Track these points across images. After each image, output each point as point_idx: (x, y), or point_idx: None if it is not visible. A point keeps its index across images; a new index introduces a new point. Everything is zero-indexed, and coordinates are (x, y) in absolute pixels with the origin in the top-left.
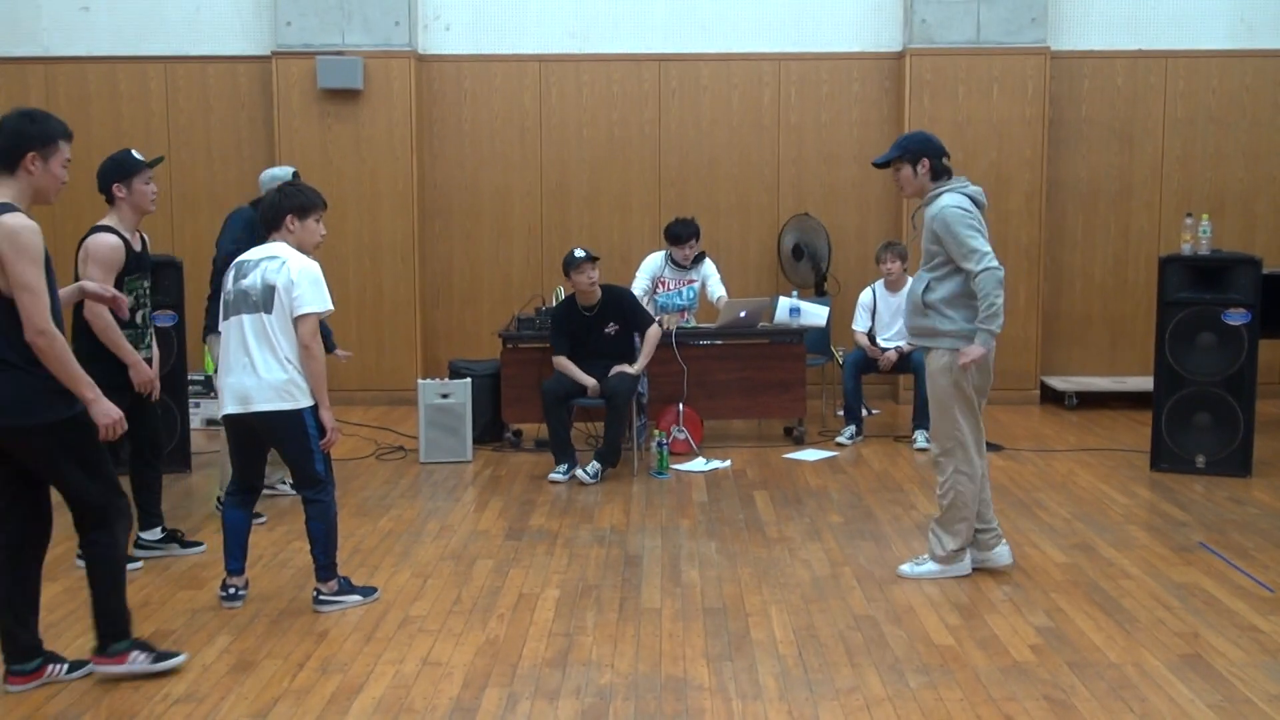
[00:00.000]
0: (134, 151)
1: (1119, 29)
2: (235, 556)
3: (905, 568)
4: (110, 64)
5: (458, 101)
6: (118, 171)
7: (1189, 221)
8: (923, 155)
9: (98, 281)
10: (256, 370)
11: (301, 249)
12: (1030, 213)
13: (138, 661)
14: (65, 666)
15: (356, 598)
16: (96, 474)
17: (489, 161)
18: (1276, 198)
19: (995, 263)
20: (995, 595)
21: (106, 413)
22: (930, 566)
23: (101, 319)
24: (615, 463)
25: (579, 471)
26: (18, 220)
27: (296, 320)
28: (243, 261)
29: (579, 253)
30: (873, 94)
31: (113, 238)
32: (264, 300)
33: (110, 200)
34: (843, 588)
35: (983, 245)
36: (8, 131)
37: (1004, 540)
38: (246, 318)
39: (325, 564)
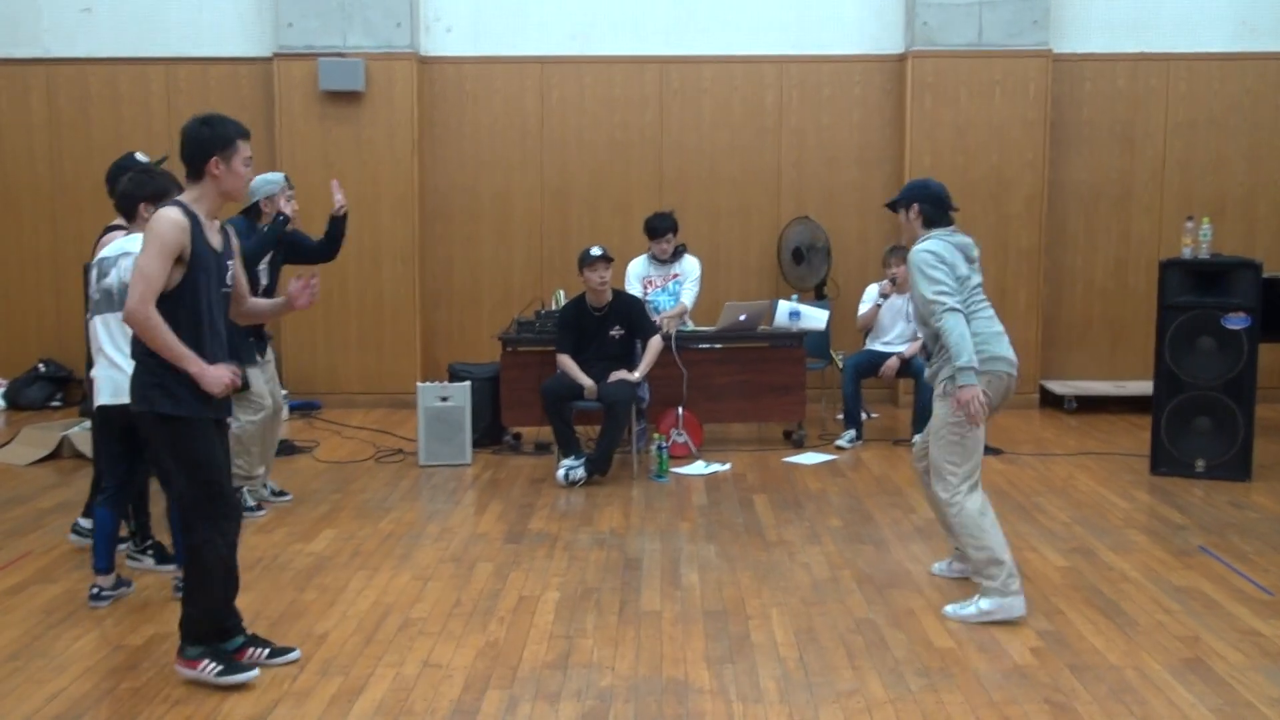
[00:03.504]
0: (139, 154)
1: (1121, 32)
2: (103, 556)
3: (954, 610)
4: (111, 66)
5: (459, 104)
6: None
7: (1189, 225)
8: (913, 200)
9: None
10: (124, 368)
11: None
12: (1031, 216)
13: (206, 671)
14: (267, 651)
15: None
16: (180, 472)
17: (490, 164)
18: (1277, 201)
19: (953, 304)
20: None
21: (217, 379)
22: (984, 603)
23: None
24: (605, 471)
25: (564, 462)
26: (163, 211)
27: None
28: (103, 259)
29: (595, 250)
30: (874, 96)
31: None
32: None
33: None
34: (843, 591)
35: (941, 296)
36: (189, 141)
37: None
38: (111, 316)
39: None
